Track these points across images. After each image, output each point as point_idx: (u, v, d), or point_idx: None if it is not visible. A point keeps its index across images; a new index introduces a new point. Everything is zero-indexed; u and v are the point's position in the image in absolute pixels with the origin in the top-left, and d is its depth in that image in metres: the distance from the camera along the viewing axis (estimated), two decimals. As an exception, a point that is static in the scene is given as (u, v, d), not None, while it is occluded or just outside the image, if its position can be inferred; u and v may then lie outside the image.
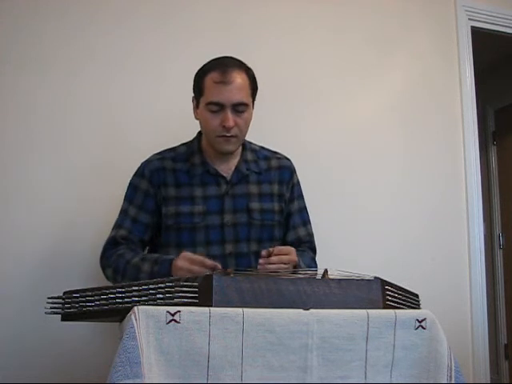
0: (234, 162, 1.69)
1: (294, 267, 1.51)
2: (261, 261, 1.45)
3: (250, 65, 1.66)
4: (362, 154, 2.48)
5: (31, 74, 2.04)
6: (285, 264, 1.46)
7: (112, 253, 1.62)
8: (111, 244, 1.65)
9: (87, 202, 2.04)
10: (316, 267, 1.71)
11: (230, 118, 1.56)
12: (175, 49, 2.24)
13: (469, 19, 2.77)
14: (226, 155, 1.67)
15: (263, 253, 1.46)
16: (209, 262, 1.40)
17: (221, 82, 1.56)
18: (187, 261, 1.43)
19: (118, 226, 1.67)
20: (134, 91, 2.15)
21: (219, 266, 1.40)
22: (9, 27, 2.03)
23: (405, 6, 2.65)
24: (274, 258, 1.45)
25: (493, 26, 2.86)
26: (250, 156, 1.73)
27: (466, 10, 2.75)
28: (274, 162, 1.76)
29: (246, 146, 1.73)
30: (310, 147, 2.37)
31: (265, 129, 2.13)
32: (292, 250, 1.52)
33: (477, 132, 2.74)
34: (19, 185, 1.99)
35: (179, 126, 2.10)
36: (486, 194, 4.09)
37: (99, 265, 1.68)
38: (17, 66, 2.03)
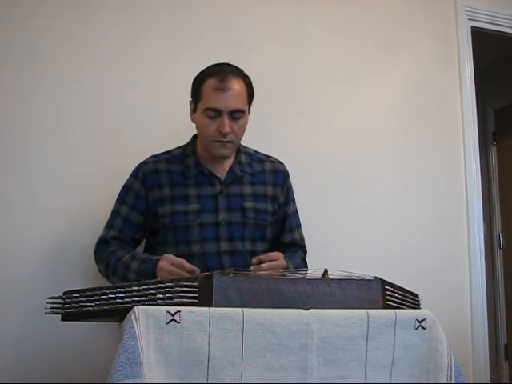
0: (228, 163, 1.72)
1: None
2: (252, 267, 1.49)
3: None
4: (361, 154, 2.48)
5: (31, 74, 2.04)
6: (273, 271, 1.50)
7: (104, 249, 1.69)
8: (101, 242, 1.72)
9: (87, 202, 2.04)
10: (306, 267, 1.75)
11: (227, 125, 1.60)
12: (175, 49, 2.23)
13: (469, 19, 2.76)
14: (220, 159, 1.70)
15: (254, 260, 1.51)
16: (188, 265, 1.46)
17: (219, 89, 1.59)
18: (168, 262, 1.49)
19: (108, 226, 1.73)
20: (134, 91, 2.15)
21: (197, 271, 1.45)
22: (9, 27, 2.03)
23: (405, 6, 2.65)
24: (263, 265, 1.49)
25: (493, 25, 2.86)
26: (243, 158, 1.76)
27: (466, 10, 2.75)
28: (268, 165, 1.79)
29: (239, 148, 1.76)
30: (309, 147, 2.37)
31: (264, 128, 2.14)
32: (280, 255, 1.57)
33: (477, 132, 2.74)
34: (19, 185, 1.99)
35: (180, 126, 2.10)
36: (486, 194, 4.09)
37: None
38: (16, 66, 2.03)
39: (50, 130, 2.04)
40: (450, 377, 1.17)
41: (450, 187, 2.64)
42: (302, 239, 1.84)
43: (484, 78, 3.66)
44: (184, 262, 1.47)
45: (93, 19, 2.13)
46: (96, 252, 1.73)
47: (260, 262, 1.49)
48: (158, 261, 1.51)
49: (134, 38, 2.18)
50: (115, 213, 1.73)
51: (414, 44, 2.66)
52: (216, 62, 1.68)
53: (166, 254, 1.52)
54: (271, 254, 1.55)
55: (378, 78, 2.57)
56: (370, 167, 2.49)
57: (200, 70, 1.68)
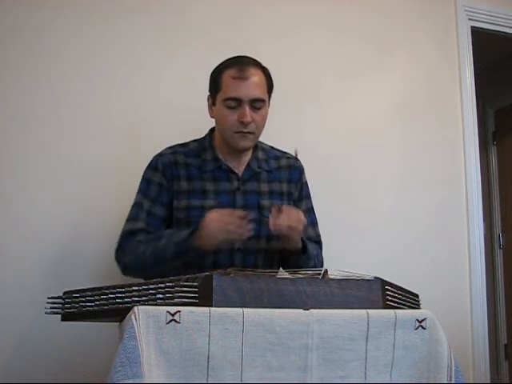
0: (246, 159, 1.70)
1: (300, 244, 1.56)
2: (271, 219, 1.48)
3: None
4: (361, 153, 2.48)
5: (31, 74, 2.04)
6: (293, 225, 1.49)
7: (130, 240, 1.60)
8: (127, 236, 1.63)
9: (88, 203, 2.04)
10: (322, 261, 1.73)
11: (248, 114, 1.57)
12: (175, 49, 2.24)
13: (469, 19, 2.76)
14: (238, 152, 1.67)
15: (273, 210, 1.49)
16: (238, 211, 1.47)
17: (238, 78, 1.57)
18: (217, 214, 1.47)
19: (133, 218, 1.64)
20: (134, 91, 2.15)
21: (249, 216, 1.46)
22: (9, 27, 2.03)
23: (405, 6, 2.65)
24: (283, 217, 1.48)
25: (493, 25, 2.86)
26: (260, 154, 1.74)
27: (466, 10, 2.75)
28: (283, 162, 1.76)
29: (257, 144, 1.73)
30: (309, 147, 2.36)
31: (265, 127, 2.14)
32: (300, 212, 1.55)
33: (477, 132, 2.74)
34: (20, 186, 1.99)
35: (181, 125, 2.11)
36: (486, 193, 4.09)
37: (114, 258, 1.65)
38: (17, 66, 2.03)
39: (50, 130, 2.04)
40: (450, 377, 1.17)
41: (450, 187, 2.64)
42: (318, 236, 1.79)
43: (484, 78, 3.66)
44: (233, 210, 1.47)
45: (94, 18, 2.13)
46: (119, 249, 1.63)
47: (279, 212, 1.48)
48: (194, 229, 1.49)
49: (136, 36, 2.18)
50: (139, 205, 1.65)
51: (415, 44, 2.66)
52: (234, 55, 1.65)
53: (210, 211, 1.50)
54: (291, 208, 1.54)
55: (377, 77, 2.57)
56: (370, 167, 2.49)
57: (217, 64, 1.65)
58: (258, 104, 1.59)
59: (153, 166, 1.68)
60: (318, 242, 1.79)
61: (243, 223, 1.45)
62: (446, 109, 2.68)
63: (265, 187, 1.70)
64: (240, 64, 1.59)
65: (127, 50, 2.17)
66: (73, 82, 2.08)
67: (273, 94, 1.68)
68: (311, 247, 1.65)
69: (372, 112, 2.54)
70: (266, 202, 1.67)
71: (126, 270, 1.63)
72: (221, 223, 1.45)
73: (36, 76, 2.04)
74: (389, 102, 2.58)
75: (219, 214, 1.47)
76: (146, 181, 1.68)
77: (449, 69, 2.70)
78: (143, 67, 2.18)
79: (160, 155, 1.69)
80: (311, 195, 1.83)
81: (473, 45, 2.76)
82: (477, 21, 2.79)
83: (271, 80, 1.66)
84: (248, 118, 1.57)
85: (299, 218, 1.52)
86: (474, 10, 2.77)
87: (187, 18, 2.27)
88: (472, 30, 2.77)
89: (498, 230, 4.21)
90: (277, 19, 2.41)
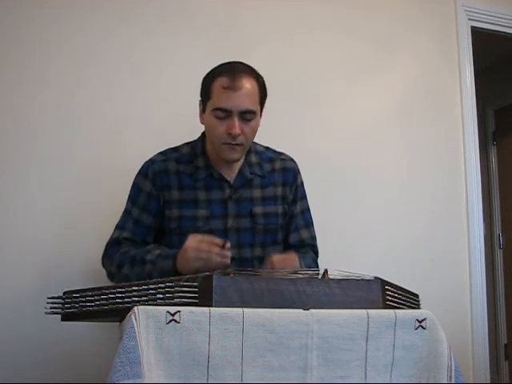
0: (238, 165, 1.66)
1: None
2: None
3: (250, 65, 1.65)
4: (361, 154, 2.48)
5: (31, 73, 2.04)
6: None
7: (115, 251, 1.60)
8: (114, 244, 1.63)
9: (88, 202, 2.04)
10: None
11: (237, 126, 1.52)
12: (176, 49, 2.24)
13: (469, 19, 2.77)
14: (227, 163, 1.63)
15: (267, 263, 1.44)
16: (218, 239, 1.42)
17: (229, 88, 1.51)
18: (195, 240, 1.43)
19: (120, 227, 1.65)
20: (134, 92, 2.15)
21: (228, 244, 1.42)
22: (9, 27, 2.03)
23: (405, 6, 2.65)
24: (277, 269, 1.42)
25: (493, 25, 2.86)
26: (254, 159, 1.70)
27: (466, 10, 2.75)
28: (277, 164, 1.72)
29: (250, 148, 1.69)
30: (309, 147, 2.37)
31: (264, 129, 2.14)
32: (295, 258, 1.50)
33: (477, 132, 2.74)
34: (19, 186, 1.99)
35: (180, 127, 2.11)
36: (486, 194, 4.10)
37: (101, 264, 1.67)
38: (17, 65, 2.03)
39: (50, 131, 2.04)
40: (450, 377, 1.17)
41: (450, 187, 2.64)
42: (313, 238, 1.76)
43: (484, 78, 3.66)
44: (213, 238, 1.42)
45: (94, 18, 2.14)
46: (105, 255, 1.64)
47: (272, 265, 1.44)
48: (176, 253, 1.46)
49: (134, 38, 2.18)
50: (127, 213, 1.65)
51: (415, 44, 2.66)
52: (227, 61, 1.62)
53: (190, 235, 1.46)
54: (285, 257, 1.49)
55: (377, 78, 2.57)
56: (370, 167, 2.49)
57: (210, 69, 1.61)
58: (248, 116, 1.54)
59: (143, 174, 1.65)
60: (313, 245, 1.77)
61: (223, 251, 1.41)
62: (446, 109, 2.68)
63: (257, 193, 1.66)
64: (232, 72, 1.53)
65: (127, 50, 2.17)
66: (72, 81, 2.08)
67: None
68: (305, 262, 1.61)
69: (372, 112, 2.54)
70: (258, 209, 1.65)
71: (112, 277, 1.63)
72: (197, 251, 1.41)
73: (36, 76, 2.04)
74: (389, 102, 2.58)
75: (197, 241, 1.43)
76: (136, 188, 1.66)
77: (449, 69, 2.70)
78: (143, 67, 2.18)
79: (151, 162, 1.66)
80: (307, 196, 1.80)
81: (473, 45, 2.76)
82: (477, 21, 2.80)
83: (265, 89, 1.61)
84: (237, 131, 1.52)
85: (293, 265, 1.46)
86: (473, 10, 2.77)
87: (187, 18, 2.27)
88: (472, 30, 2.78)
89: (498, 230, 4.21)
90: (277, 19, 2.41)
